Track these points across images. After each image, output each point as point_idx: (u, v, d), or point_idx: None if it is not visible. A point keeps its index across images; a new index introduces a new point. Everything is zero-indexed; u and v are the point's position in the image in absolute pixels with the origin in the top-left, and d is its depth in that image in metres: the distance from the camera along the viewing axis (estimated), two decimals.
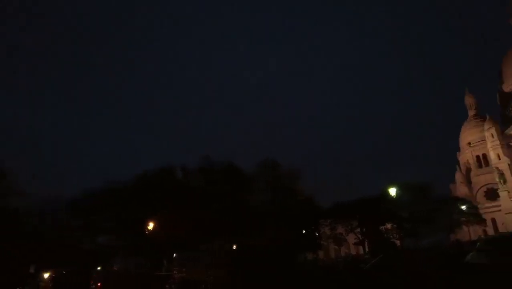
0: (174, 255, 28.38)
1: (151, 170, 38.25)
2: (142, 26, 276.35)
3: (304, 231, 44.58)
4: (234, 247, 39.01)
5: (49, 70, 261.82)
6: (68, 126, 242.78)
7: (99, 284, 19.77)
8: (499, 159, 68.01)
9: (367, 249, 47.71)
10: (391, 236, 46.86)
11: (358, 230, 48.85)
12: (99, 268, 26.13)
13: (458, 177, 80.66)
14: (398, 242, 45.64)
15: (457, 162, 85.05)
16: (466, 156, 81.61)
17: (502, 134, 70.65)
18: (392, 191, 32.59)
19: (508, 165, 67.08)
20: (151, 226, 31.31)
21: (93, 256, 34.75)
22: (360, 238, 48.67)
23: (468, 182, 78.94)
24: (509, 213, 61.34)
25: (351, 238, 53.44)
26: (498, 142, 69.16)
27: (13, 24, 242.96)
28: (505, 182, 63.97)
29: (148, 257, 32.41)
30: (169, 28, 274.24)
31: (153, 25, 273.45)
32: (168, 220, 30.98)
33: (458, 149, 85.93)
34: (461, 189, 76.50)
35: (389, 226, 47.58)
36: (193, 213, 31.97)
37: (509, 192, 62.86)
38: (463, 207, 53.22)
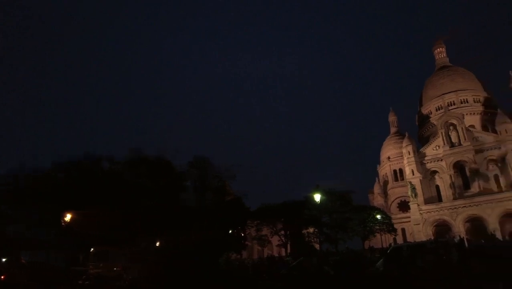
0: (91, 249, 26.83)
1: (74, 157, 35.40)
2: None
3: (230, 231, 44.72)
4: (158, 244, 37.72)
5: None
6: None
7: (2, 277, 17.95)
8: (413, 174, 74.51)
9: (289, 251, 49.17)
10: (312, 240, 48.93)
11: (282, 232, 50.22)
12: (4, 260, 23.66)
13: (376, 188, 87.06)
14: (317, 246, 47.77)
15: (377, 174, 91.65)
16: (385, 169, 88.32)
17: (417, 152, 77.53)
18: (317, 197, 34.04)
19: (420, 180, 73.72)
20: (68, 217, 28.91)
21: None
22: (284, 240, 50.03)
23: (385, 193, 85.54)
24: (417, 224, 67.31)
25: (275, 240, 54.77)
26: (413, 159, 75.73)
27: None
28: (416, 195, 70.12)
29: (63, 251, 30.07)
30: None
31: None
32: (89, 213, 28.91)
33: (379, 162, 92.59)
34: (378, 199, 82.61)
35: (311, 230, 49.56)
36: (118, 207, 30.20)
37: (418, 205, 68.97)
38: (378, 216, 57.39)
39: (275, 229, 50.46)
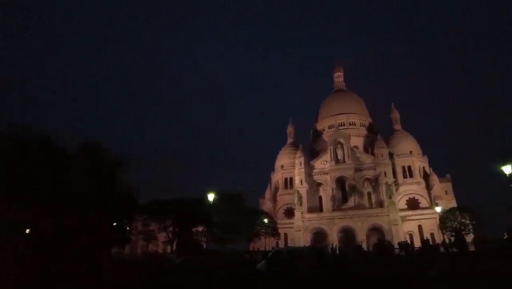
0: None
1: None
2: None
3: (115, 224, 42.19)
4: (28, 231, 33.53)
5: None
6: None
7: None
8: (301, 184, 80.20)
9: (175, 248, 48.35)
10: (200, 239, 49.01)
11: (171, 228, 49.21)
12: None
13: (267, 193, 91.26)
14: (204, 245, 47.99)
15: (270, 180, 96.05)
16: (278, 176, 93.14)
17: (307, 164, 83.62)
18: (210, 197, 34.30)
19: (307, 190, 79.71)
20: None
21: None
22: (170, 237, 49.06)
23: (274, 199, 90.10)
24: (298, 230, 72.30)
25: (162, 236, 53.41)
26: (303, 170, 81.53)
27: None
28: (301, 204, 75.45)
29: None
30: None
31: None
32: None
33: (273, 169, 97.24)
34: (267, 204, 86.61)
35: (200, 228, 49.59)
36: None
37: (302, 212, 74.22)
38: (266, 220, 60.25)
39: (163, 225, 49.23)
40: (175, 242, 50.23)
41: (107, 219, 36.80)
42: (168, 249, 55.10)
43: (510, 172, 20.98)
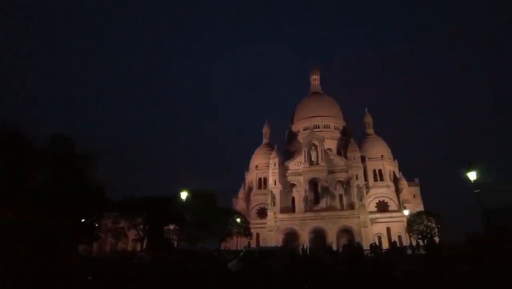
0: None
1: None
2: None
3: (83, 220, 41.07)
4: None
5: None
6: None
7: None
8: (275, 184, 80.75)
9: (145, 246, 47.60)
10: (172, 237, 48.43)
11: (142, 226, 48.39)
12: None
13: (241, 193, 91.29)
14: (175, 244, 47.49)
15: (244, 180, 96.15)
16: (252, 176, 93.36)
17: (282, 165, 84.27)
18: (183, 195, 34.03)
19: (280, 191, 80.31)
20: None
21: None
22: (141, 235, 48.27)
23: (248, 199, 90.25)
24: (270, 230, 72.72)
25: (132, 234, 52.47)
26: (277, 171, 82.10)
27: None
28: (274, 204, 75.90)
29: None
30: None
31: None
32: None
33: (248, 169, 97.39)
34: (240, 204, 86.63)
35: (171, 227, 49.01)
36: None
37: (275, 213, 74.71)
38: (238, 220, 60.25)
39: (133, 223, 48.33)
40: (145, 240, 49.44)
41: (74, 215, 35.77)
42: (138, 247, 54.16)
43: (475, 179, 21.92)
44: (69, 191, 35.46)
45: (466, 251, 24.83)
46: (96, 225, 46.03)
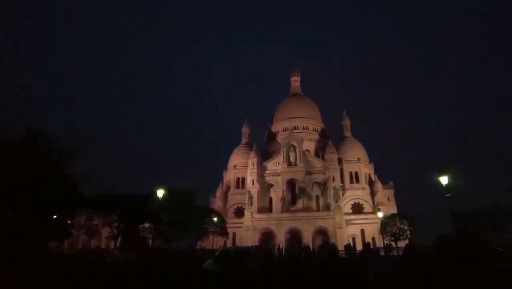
0: None
1: None
2: None
3: (55, 217, 39.93)
4: None
5: None
6: None
7: None
8: (253, 184, 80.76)
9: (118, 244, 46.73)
10: (147, 235, 47.77)
11: (116, 224, 47.49)
12: None
13: (219, 192, 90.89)
14: (150, 242, 46.88)
15: (222, 179, 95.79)
16: (230, 175, 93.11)
17: (260, 165, 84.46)
18: (159, 193, 33.66)
19: (258, 190, 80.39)
20: None
21: None
22: (115, 233, 47.38)
23: (225, 198, 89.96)
24: (247, 230, 72.78)
25: (106, 231, 51.47)
26: (255, 171, 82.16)
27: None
28: (251, 204, 76.03)
29: None
30: None
31: None
32: None
33: (226, 169, 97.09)
34: (218, 203, 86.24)
35: (147, 225, 48.35)
36: None
37: (252, 213, 74.82)
38: (215, 219, 59.97)
39: (107, 220, 47.35)
40: (119, 238, 48.53)
41: (45, 211, 34.79)
42: (112, 245, 53.09)
43: (446, 183, 22.60)
44: (40, 186, 34.46)
45: (432, 254, 25.57)
46: (69, 222, 44.84)
